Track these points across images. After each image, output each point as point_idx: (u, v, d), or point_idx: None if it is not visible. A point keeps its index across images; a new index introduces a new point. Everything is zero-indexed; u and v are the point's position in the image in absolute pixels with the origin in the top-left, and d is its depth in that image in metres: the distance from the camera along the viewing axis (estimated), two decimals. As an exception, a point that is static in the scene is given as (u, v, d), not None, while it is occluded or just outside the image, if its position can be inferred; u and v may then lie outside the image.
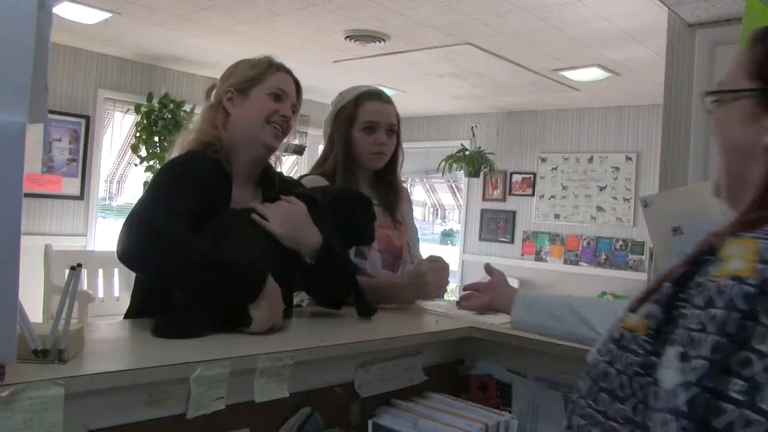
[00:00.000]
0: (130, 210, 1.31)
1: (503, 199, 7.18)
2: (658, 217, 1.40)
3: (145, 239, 1.25)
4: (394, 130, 1.92)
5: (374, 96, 1.91)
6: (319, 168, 1.92)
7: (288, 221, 1.41)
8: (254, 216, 1.40)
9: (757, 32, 0.78)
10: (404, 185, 2.12)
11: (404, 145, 2.01)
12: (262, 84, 1.53)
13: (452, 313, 1.68)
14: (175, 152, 1.54)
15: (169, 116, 5.30)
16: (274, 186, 1.58)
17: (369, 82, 6.10)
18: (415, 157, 7.08)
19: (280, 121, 1.53)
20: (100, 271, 4.90)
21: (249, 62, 1.57)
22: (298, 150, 6.36)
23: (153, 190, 1.39)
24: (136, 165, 5.39)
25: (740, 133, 0.75)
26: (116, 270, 4.96)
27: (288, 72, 1.59)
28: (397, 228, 1.95)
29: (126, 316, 1.46)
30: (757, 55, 0.75)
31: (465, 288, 1.56)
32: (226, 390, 1.09)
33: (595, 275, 6.38)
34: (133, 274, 1.43)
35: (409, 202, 2.11)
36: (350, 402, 1.34)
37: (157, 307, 1.28)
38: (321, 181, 1.83)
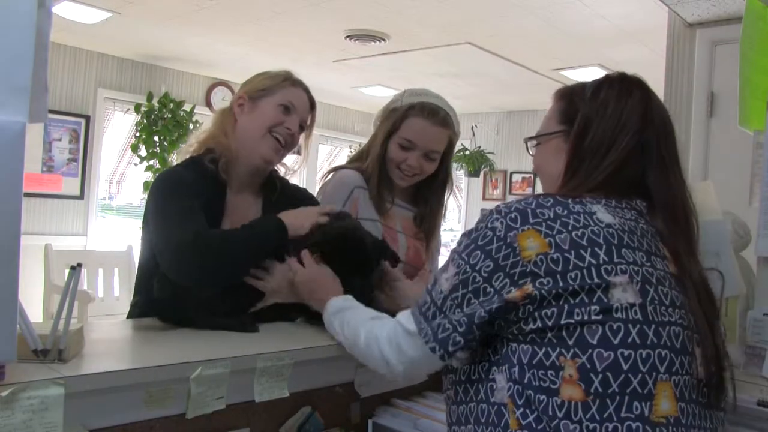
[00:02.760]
0: (160, 238, 1.33)
1: (503, 199, 7.17)
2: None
3: (208, 253, 1.29)
4: (434, 158, 1.74)
5: (427, 113, 1.70)
6: (357, 161, 1.80)
7: (282, 288, 1.40)
8: (248, 279, 1.38)
9: (557, 92, 1.12)
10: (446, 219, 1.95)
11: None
12: (274, 96, 1.52)
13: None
14: (184, 149, 1.56)
15: (169, 116, 5.29)
16: (275, 193, 1.58)
17: (369, 82, 6.07)
18: (415, 156, 7.06)
19: (283, 134, 1.51)
20: (100, 270, 4.90)
21: (267, 73, 1.57)
22: (298, 149, 6.36)
23: (162, 206, 1.38)
24: (136, 165, 5.39)
25: (553, 165, 1.07)
26: (116, 270, 4.97)
27: (304, 88, 1.58)
28: (426, 239, 1.86)
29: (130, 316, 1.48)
30: (562, 106, 1.09)
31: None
32: (226, 390, 1.09)
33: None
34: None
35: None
36: (350, 402, 1.34)
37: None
38: (358, 179, 1.73)
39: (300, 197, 1.63)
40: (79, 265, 1.00)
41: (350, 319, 1.16)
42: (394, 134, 1.72)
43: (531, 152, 1.15)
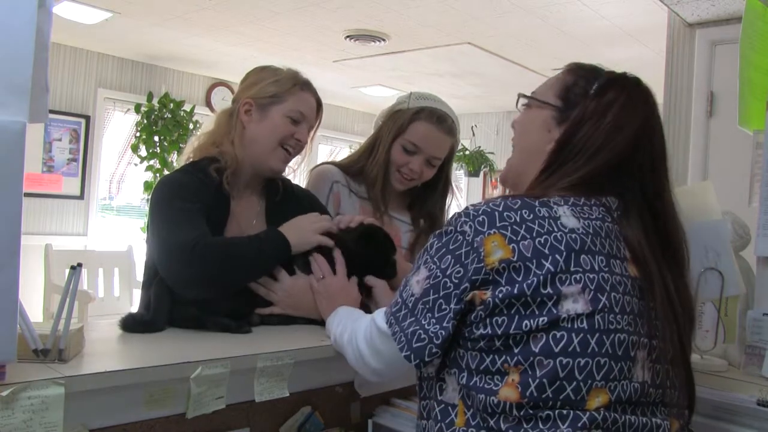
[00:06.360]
0: (159, 241, 1.31)
1: (503, 199, 7.17)
2: (658, 216, 1.40)
3: (208, 261, 1.26)
4: (434, 164, 1.75)
5: (434, 119, 1.71)
6: (354, 162, 1.79)
7: (291, 299, 1.39)
8: (256, 286, 1.37)
9: (571, 65, 1.09)
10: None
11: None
12: (283, 104, 1.47)
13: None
14: (185, 155, 1.53)
15: (169, 116, 5.29)
16: (278, 195, 1.55)
17: (369, 82, 6.07)
18: (415, 156, 7.06)
19: (293, 145, 1.49)
20: (100, 270, 4.90)
21: (274, 74, 1.50)
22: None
23: (162, 210, 1.35)
24: (136, 165, 5.39)
25: (534, 136, 1.04)
26: (116, 270, 4.96)
27: (312, 91, 1.53)
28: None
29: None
30: (568, 82, 1.04)
31: None
32: (226, 390, 1.09)
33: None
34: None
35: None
36: (350, 402, 1.35)
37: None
38: (336, 174, 1.74)
39: (303, 198, 1.61)
40: (80, 265, 1.00)
41: (343, 319, 1.21)
42: (399, 136, 1.72)
43: (519, 109, 1.10)
